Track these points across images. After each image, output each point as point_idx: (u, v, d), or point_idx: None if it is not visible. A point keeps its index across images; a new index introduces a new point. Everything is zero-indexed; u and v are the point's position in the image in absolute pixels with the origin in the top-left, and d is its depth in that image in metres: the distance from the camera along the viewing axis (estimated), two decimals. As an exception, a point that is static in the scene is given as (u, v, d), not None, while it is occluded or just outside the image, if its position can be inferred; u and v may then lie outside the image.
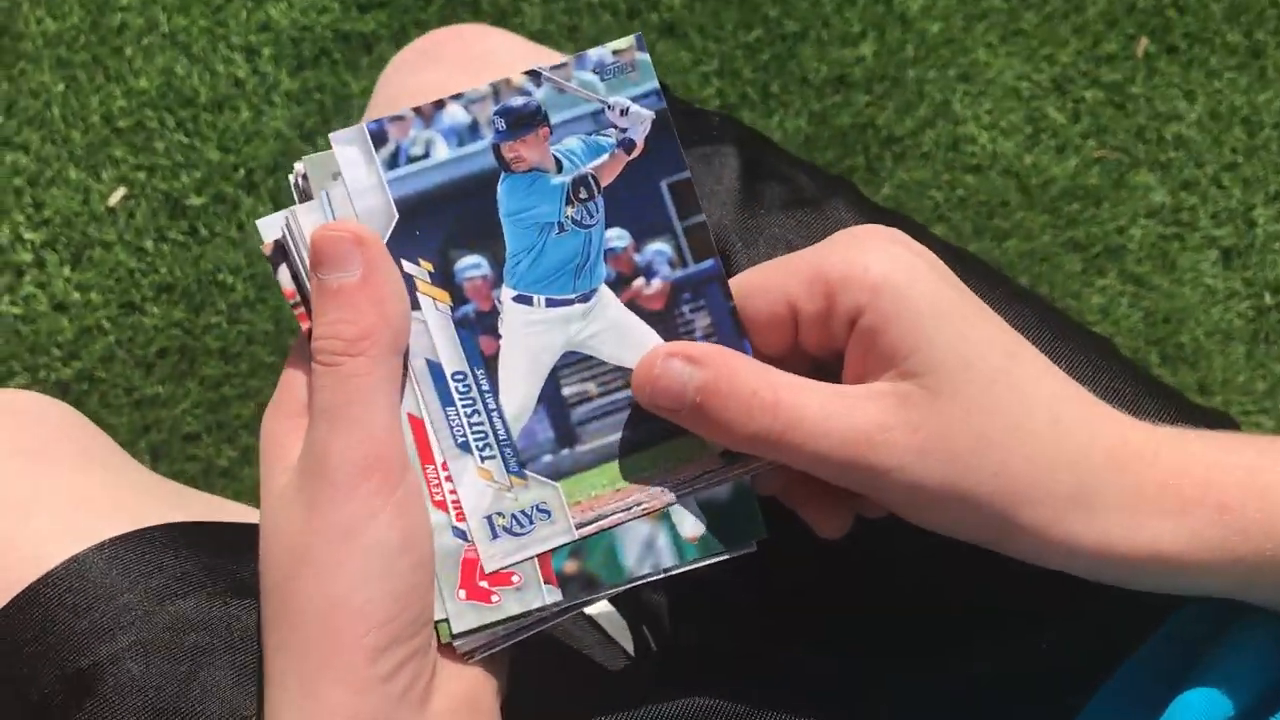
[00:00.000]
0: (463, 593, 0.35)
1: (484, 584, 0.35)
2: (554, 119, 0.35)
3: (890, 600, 0.47)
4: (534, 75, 0.35)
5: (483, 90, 0.35)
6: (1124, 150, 1.12)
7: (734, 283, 0.36)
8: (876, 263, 0.33)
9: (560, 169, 0.35)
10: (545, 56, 0.58)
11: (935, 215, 1.09)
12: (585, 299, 0.36)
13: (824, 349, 0.35)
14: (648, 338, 0.36)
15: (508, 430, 0.35)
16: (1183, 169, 1.12)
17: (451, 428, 0.35)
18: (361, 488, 0.32)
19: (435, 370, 0.35)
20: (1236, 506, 0.33)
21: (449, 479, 0.35)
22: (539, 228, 0.35)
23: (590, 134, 0.35)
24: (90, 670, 0.41)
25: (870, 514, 0.37)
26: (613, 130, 0.35)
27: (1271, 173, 1.12)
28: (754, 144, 0.51)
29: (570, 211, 0.35)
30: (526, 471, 0.35)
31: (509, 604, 0.35)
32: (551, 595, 0.35)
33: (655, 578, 0.36)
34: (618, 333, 0.36)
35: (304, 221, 0.35)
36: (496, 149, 0.35)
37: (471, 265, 0.35)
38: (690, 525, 0.36)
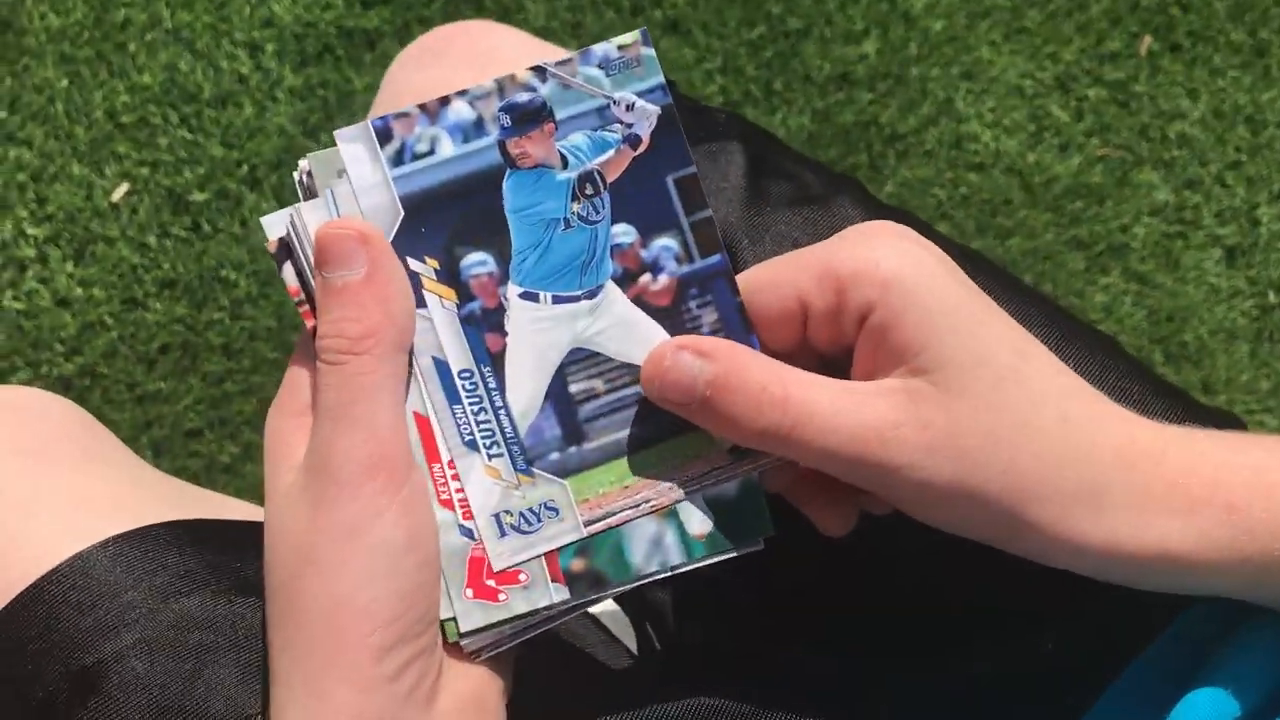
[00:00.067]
0: (469, 591, 0.34)
1: (491, 582, 0.35)
2: (559, 115, 0.35)
3: (890, 600, 0.47)
4: (539, 71, 0.35)
5: (488, 86, 0.35)
6: (1127, 148, 1.12)
7: (743, 278, 0.35)
8: (887, 259, 0.33)
9: (566, 165, 0.35)
10: (550, 52, 0.57)
11: (938, 213, 1.09)
12: (592, 295, 0.35)
13: (833, 345, 0.35)
14: (655, 333, 0.35)
15: (515, 428, 0.35)
16: (1186, 167, 1.11)
17: (458, 426, 0.35)
18: (366, 486, 0.32)
19: (441, 368, 0.35)
20: (1244, 506, 0.33)
21: (455, 477, 0.35)
22: (545, 224, 0.35)
23: (596, 129, 0.35)
24: (95, 668, 0.41)
25: (876, 511, 0.37)
26: (618, 126, 0.35)
27: (1275, 171, 1.12)
28: (759, 141, 0.51)
29: (576, 207, 0.35)
30: (534, 469, 0.35)
31: (516, 602, 0.35)
32: (559, 593, 0.35)
33: (663, 575, 0.35)
34: (624, 329, 0.35)
35: (309, 219, 0.34)
36: (502, 145, 0.35)
37: (477, 262, 0.35)
38: (698, 522, 0.35)
